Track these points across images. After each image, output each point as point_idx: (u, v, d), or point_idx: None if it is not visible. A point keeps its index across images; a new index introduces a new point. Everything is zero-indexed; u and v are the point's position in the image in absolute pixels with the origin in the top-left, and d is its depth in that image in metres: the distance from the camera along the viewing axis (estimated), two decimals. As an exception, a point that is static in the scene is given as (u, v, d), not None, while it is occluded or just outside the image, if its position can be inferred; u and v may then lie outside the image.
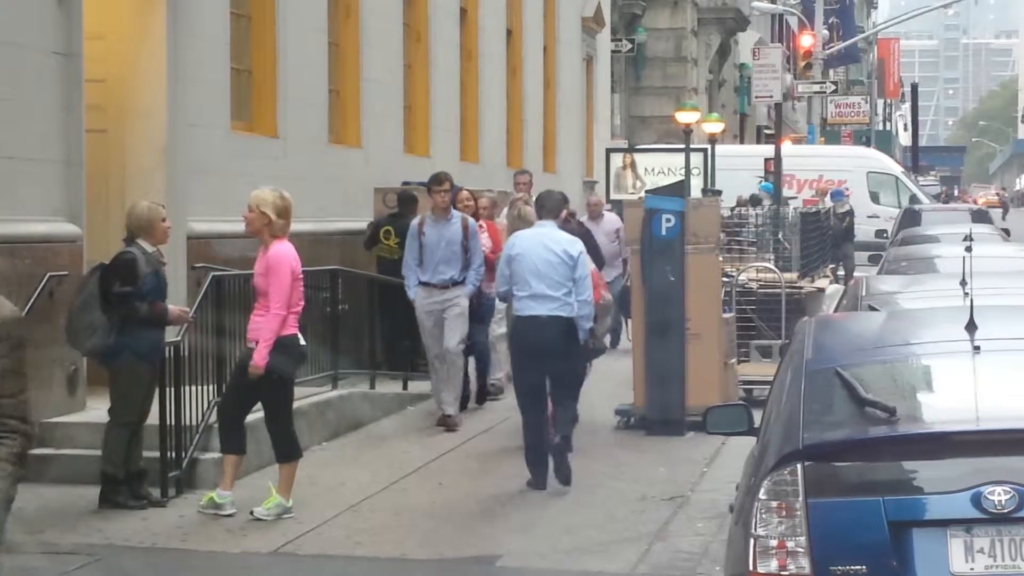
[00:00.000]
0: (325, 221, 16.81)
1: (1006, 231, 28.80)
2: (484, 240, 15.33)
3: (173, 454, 11.40)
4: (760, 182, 33.44)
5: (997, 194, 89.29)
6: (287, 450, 10.98)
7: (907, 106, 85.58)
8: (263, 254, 10.87)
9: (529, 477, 11.80)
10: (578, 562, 9.75)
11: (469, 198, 15.95)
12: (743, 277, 18.08)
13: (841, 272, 28.78)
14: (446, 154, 21.97)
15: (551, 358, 11.77)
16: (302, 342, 11.03)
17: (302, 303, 10.99)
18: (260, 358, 10.62)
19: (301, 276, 11.00)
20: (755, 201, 30.03)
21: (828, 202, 31.27)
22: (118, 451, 10.95)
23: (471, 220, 14.96)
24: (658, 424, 14.23)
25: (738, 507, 6.11)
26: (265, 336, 10.64)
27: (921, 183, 69.38)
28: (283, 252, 10.80)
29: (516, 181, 18.85)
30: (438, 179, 14.83)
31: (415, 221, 14.82)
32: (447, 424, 14.36)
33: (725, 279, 16.64)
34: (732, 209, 24.60)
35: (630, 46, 38.18)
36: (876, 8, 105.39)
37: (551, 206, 12.46)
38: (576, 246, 12.09)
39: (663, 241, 14.47)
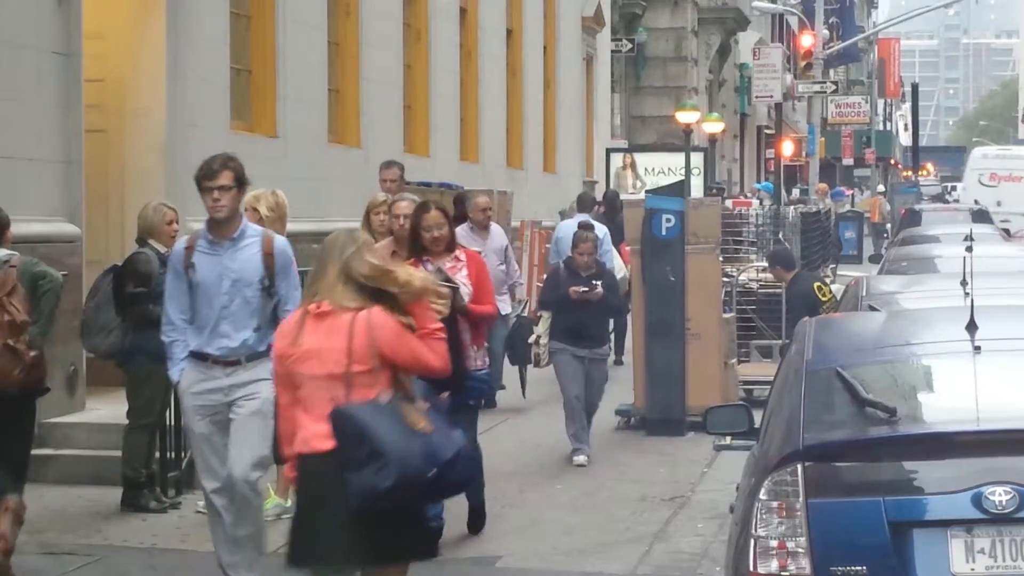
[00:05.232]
0: (325, 221, 16.78)
1: (1006, 231, 28.81)
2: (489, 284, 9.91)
3: (173, 454, 11.39)
4: None
5: None
6: (286, 450, 10.92)
7: (907, 106, 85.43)
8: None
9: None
10: (578, 563, 9.73)
11: (380, 210, 10.76)
12: (743, 277, 18.06)
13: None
14: (446, 154, 21.97)
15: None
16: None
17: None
18: None
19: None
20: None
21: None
22: (139, 455, 10.85)
23: (280, 240, 8.60)
24: (658, 424, 14.22)
25: (738, 507, 6.10)
26: None
27: (921, 183, 69.44)
28: None
29: (382, 177, 13.97)
30: (209, 169, 8.38)
31: (180, 244, 8.73)
32: None
33: (725, 279, 16.63)
34: None
35: (630, 46, 38.15)
36: (876, 8, 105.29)
37: (585, 202, 18.68)
38: (602, 230, 16.38)
39: (663, 241, 14.47)
